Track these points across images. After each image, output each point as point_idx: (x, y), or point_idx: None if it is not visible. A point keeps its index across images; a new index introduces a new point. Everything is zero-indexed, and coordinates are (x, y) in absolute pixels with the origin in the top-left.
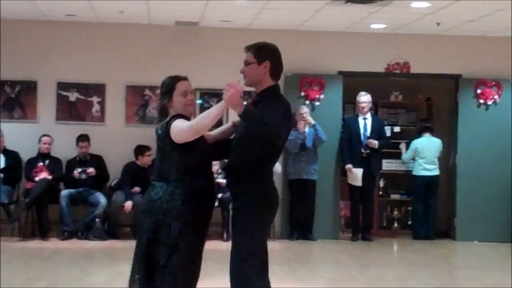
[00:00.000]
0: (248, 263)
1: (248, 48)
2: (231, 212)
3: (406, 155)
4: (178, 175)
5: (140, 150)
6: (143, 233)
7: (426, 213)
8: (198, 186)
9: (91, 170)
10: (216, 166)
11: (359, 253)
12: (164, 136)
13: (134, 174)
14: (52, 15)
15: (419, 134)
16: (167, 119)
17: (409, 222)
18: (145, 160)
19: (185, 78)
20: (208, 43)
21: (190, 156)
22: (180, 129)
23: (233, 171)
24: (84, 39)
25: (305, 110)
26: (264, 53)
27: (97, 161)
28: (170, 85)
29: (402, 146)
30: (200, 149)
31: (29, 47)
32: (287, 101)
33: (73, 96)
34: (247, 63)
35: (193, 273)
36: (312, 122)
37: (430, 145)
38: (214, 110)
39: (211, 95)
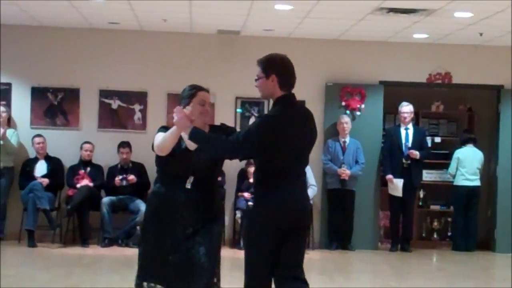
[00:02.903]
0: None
1: (257, 63)
2: None
3: (450, 167)
4: (157, 179)
5: None
6: None
7: (467, 224)
8: (160, 189)
9: (131, 177)
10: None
11: (398, 263)
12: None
13: None
14: (96, 23)
15: (462, 145)
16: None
17: (449, 233)
18: None
19: (206, 90)
20: (249, 52)
21: (164, 164)
22: (154, 144)
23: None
24: (126, 47)
25: (345, 119)
26: (270, 67)
27: (139, 169)
28: (191, 92)
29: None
30: (178, 161)
31: (72, 55)
32: (280, 112)
33: (115, 103)
34: (257, 78)
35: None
36: (348, 173)
37: (472, 155)
38: (169, 134)
39: (252, 104)
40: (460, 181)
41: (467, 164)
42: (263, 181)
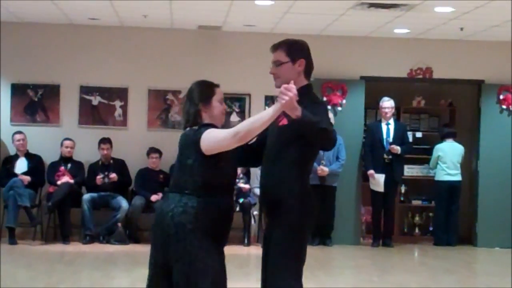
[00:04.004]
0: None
1: (276, 47)
2: (252, 217)
3: (430, 162)
4: (194, 188)
5: (148, 152)
6: (157, 250)
7: (448, 219)
8: (214, 201)
9: (113, 175)
10: (237, 170)
11: (380, 258)
12: (190, 144)
13: (145, 178)
14: (76, 18)
15: (441, 139)
16: (197, 127)
17: (431, 228)
18: (151, 162)
19: (218, 85)
20: (231, 48)
21: (212, 170)
22: (220, 138)
23: (275, 175)
24: (107, 43)
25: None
26: (298, 50)
27: (120, 166)
28: (209, 90)
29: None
30: (226, 164)
31: (52, 51)
32: (324, 101)
33: (95, 100)
34: (278, 63)
35: None
36: (327, 171)
37: (452, 150)
38: (267, 115)
39: (234, 100)
40: (441, 176)
41: (447, 160)
42: (304, 172)
